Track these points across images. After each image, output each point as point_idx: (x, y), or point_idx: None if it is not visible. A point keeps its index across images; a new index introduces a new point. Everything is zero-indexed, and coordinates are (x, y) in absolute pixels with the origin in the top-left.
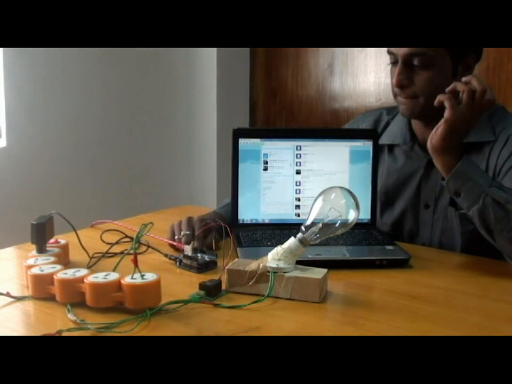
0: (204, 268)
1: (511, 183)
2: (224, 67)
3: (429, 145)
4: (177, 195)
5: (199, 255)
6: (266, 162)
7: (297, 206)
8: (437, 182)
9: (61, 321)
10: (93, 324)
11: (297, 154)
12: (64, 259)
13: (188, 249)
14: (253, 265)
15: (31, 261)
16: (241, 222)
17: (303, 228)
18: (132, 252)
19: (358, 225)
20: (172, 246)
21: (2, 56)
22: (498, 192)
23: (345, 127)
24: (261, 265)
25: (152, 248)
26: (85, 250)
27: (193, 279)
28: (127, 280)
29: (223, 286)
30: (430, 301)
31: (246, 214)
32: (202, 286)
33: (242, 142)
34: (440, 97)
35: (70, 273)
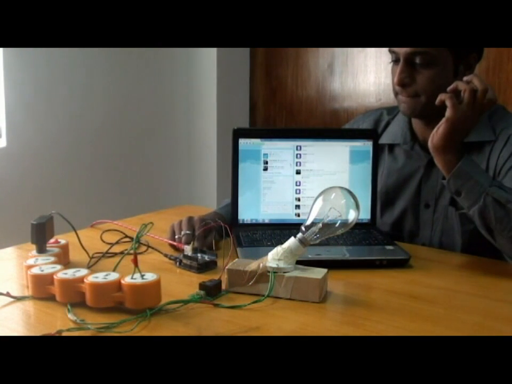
0: (203, 267)
1: None
2: (224, 67)
3: (430, 144)
4: (177, 195)
5: (199, 255)
6: (266, 162)
7: (297, 206)
8: (437, 181)
9: (61, 321)
10: (93, 323)
11: (297, 154)
12: (64, 259)
13: (187, 249)
14: (253, 265)
15: (31, 261)
16: (241, 222)
17: (303, 228)
18: (132, 252)
19: (358, 225)
20: (172, 246)
21: (2, 56)
22: (499, 191)
23: (345, 127)
24: (261, 265)
25: (152, 248)
26: (85, 250)
27: (193, 279)
28: (127, 280)
29: (223, 286)
30: (430, 301)
31: (246, 214)
32: (202, 286)
33: (242, 142)
34: (441, 97)
35: (70, 273)
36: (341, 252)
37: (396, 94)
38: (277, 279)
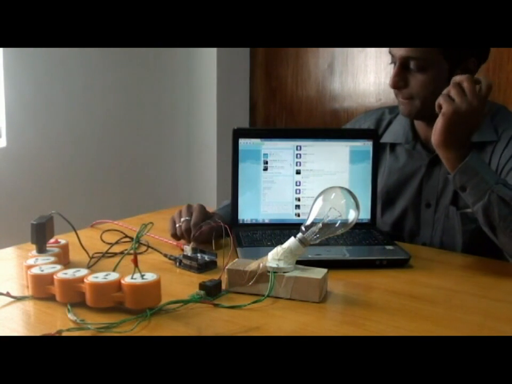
0: (203, 267)
1: None
2: (224, 67)
3: (432, 140)
4: (177, 195)
5: (199, 255)
6: (266, 162)
7: (297, 206)
8: (438, 181)
9: (61, 321)
10: (93, 323)
11: (297, 154)
12: (64, 259)
13: (187, 249)
14: (253, 265)
15: (31, 261)
16: (241, 222)
17: (303, 228)
18: (132, 252)
19: (358, 225)
20: (174, 236)
21: (2, 56)
22: (504, 189)
23: (346, 126)
24: (261, 265)
25: (152, 248)
26: (85, 250)
27: (193, 279)
28: (127, 280)
29: (223, 286)
30: (430, 301)
31: (246, 214)
32: (202, 286)
33: (242, 142)
34: (438, 101)
35: (70, 273)
36: (341, 252)
37: (395, 94)
38: (277, 279)
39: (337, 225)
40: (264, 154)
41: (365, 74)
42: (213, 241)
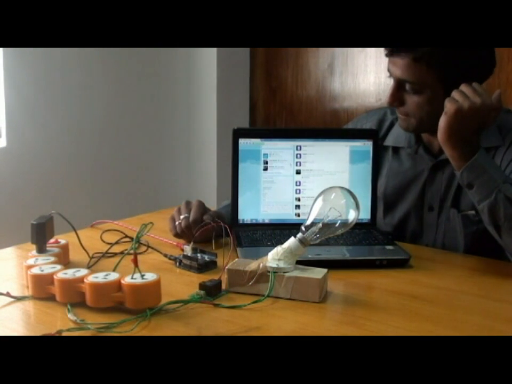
0: (204, 267)
1: None
2: (224, 67)
3: (438, 138)
4: (177, 195)
5: (199, 255)
6: (266, 162)
7: (297, 206)
8: (441, 184)
9: (61, 321)
10: (93, 323)
11: (297, 154)
12: (64, 259)
13: (187, 249)
14: (253, 265)
15: (31, 261)
16: (241, 222)
17: (303, 228)
18: (132, 252)
19: (358, 225)
20: (176, 235)
21: (2, 56)
22: (511, 189)
23: (348, 126)
24: (261, 265)
25: (152, 248)
26: (85, 250)
27: (193, 279)
28: (127, 280)
29: (223, 286)
30: (431, 301)
31: (246, 214)
32: (202, 286)
33: (242, 142)
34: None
35: (70, 273)
36: (341, 252)
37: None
38: (277, 279)
39: (337, 225)
40: (264, 154)
41: (365, 74)
42: (213, 241)
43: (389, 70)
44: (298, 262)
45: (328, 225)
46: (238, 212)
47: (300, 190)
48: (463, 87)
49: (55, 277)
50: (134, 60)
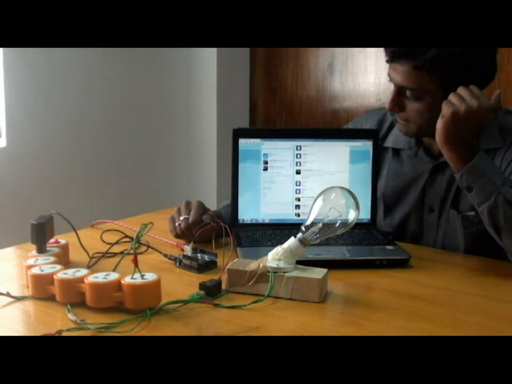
0: (204, 267)
1: None
2: (224, 67)
3: (436, 141)
4: (177, 195)
5: (199, 255)
6: (266, 162)
7: (297, 206)
8: (442, 186)
9: (61, 321)
10: (93, 323)
11: (297, 154)
12: (64, 259)
13: (187, 249)
14: (253, 265)
15: (31, 261)
16: (241, 222)
17: (303, 228)
18: (132, 252)
19: (358, 225)
20: (176, 236)
21: (2, 56)
22: (511, 191)
23: (348, 126)
24: (261, 265)
25: (152, 248)
26: (85, 250)
27: (193, 279)
28: (127, 280)
29: (223, 286)
30: (431, 301)
31: (246, 214)
32: (202, 286)
33: (242, 142)
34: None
35: (70, 273)
36: (341, 252)
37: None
38: (277, 279)
39: (337, 225)
40: (264, 154)
41: (365, 74)
42: (213, 241)
43: (389, 75)
44: (298, 262)
45: (328, 225)
46: (238, 212)
47: (299, 190)
48: (460, 90)
49: (55, 277)
50: (134, 60)
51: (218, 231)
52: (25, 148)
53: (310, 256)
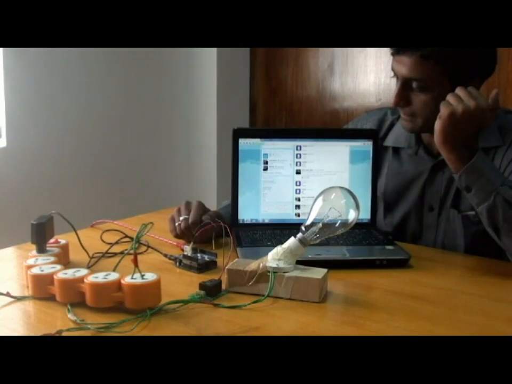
0: (203, 267)
1: None
2: (224, 67)
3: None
4: (177, 195)
5: (199, 255)
6: (266, 162)
7: (297, 206)
8: (441, 185)
9: (61, 321)
10: (93, 324)
11: (297, 154)
12: (64, 259)
13: (187, 249)
14: (253, 265)
15: (31, 261)
16: (241, 222)
17: (303, 228)
18: (132, 251)
19: (358, 225)
20: (176, 236)
21: (2, 56)
22: (510, 191)
23: (348, 126)
24: (261, 265)
25: (152, 248)
26: (85, 250)
27: (193, 279)
28: (127, 280)
29: (223, 286)
30: (431, 301)
31: (246, 214)
32: (202, 286)
33: (242, 142)
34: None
35: (70, 273)
36: (341, 252)
37: (398, 109)
38: (277, 279)
39: (337, 225)
40: (264, 154)
41: (365, 74)
42: (213, 241)
43: (393, 70)
44: (298, 262)
45: (328, 225)
46: (238, 212)
47: (299, 190)
48: (458, 91)
49: (55, 277)
50: (134, 60)
51: (218, 231)
52: (25, 148)
53: (310, 256)
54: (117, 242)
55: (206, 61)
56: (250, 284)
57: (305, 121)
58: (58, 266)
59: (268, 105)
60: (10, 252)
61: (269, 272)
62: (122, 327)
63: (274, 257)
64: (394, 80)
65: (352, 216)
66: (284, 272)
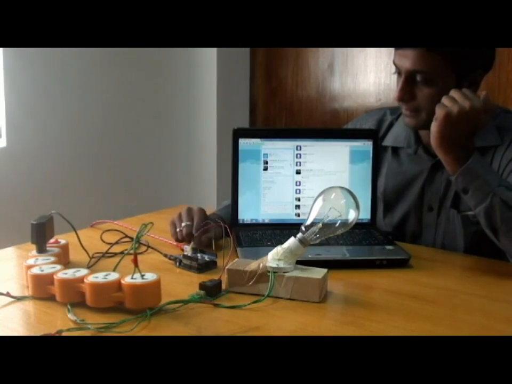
0: (204, 268)
1: None
2: (224, 67)
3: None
4: (177, 195)
5: (199, 255)
6: (266, 162)
7: (297, 206)
8: (441, 184)
9: (61, 321)
10: (93, 324)
11: (297, 154)
12: (64, 259)
13: (187, 249)
14: (253, 265)
15: (31, 261)
16: (241, 222)
17: (303, 228)
18: (132, 251)
19: (358, 225)
20: (177, 240)
21: (2, 56)
22: (506, 192)
23: (348, 126)
24: (261, 265)
25: (152, 248)
26: (85, 250)
27: (193, 279)
28: (127, 280)
29: (223, 286)
30: (430, 301)
31: (246, 214)
32: (202, 286)
33: (242, 142)
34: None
35: (70, 273)
36: (341, 252)
37: (401, 105)
38: (277, 279)
39: (337, 225)
40: (264, 154)
41: (365, 74)
42: (213, 241)
43: (395, 64)
44: (298, 262)
45: (328, 225)
46: (238, 212)
47: (299, 190)
48: (453, 93)
49: (55, 277)
50: (134, 60)
51: (218, 233)
52: (25, 148)
53: (310, 256)
54: (117, 242)
55: (206, 61)
56: (250, 284)
57: (305, 121)
58: (58, 266)
59: (268, 105)
60: (10, 252)
61: (269, 272)
62: (122, 327)
63: (274, 257)
64: (394, 80)
65: (352, 216)
66: (284, 272)
